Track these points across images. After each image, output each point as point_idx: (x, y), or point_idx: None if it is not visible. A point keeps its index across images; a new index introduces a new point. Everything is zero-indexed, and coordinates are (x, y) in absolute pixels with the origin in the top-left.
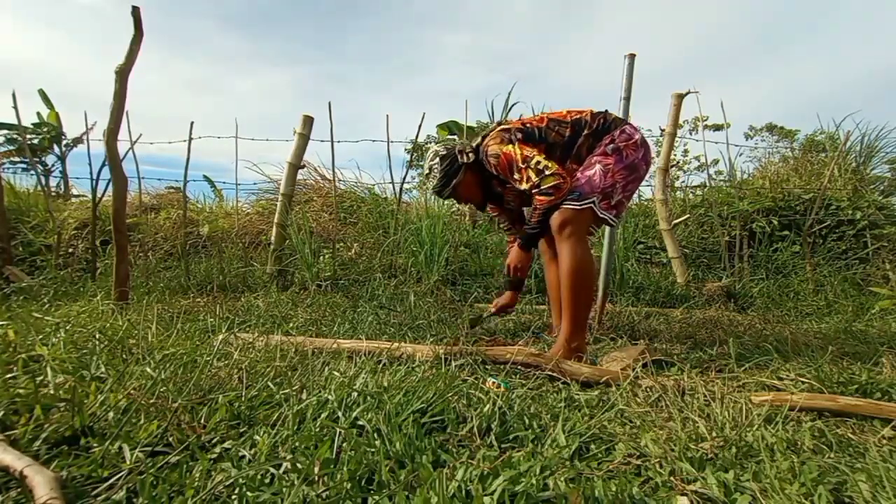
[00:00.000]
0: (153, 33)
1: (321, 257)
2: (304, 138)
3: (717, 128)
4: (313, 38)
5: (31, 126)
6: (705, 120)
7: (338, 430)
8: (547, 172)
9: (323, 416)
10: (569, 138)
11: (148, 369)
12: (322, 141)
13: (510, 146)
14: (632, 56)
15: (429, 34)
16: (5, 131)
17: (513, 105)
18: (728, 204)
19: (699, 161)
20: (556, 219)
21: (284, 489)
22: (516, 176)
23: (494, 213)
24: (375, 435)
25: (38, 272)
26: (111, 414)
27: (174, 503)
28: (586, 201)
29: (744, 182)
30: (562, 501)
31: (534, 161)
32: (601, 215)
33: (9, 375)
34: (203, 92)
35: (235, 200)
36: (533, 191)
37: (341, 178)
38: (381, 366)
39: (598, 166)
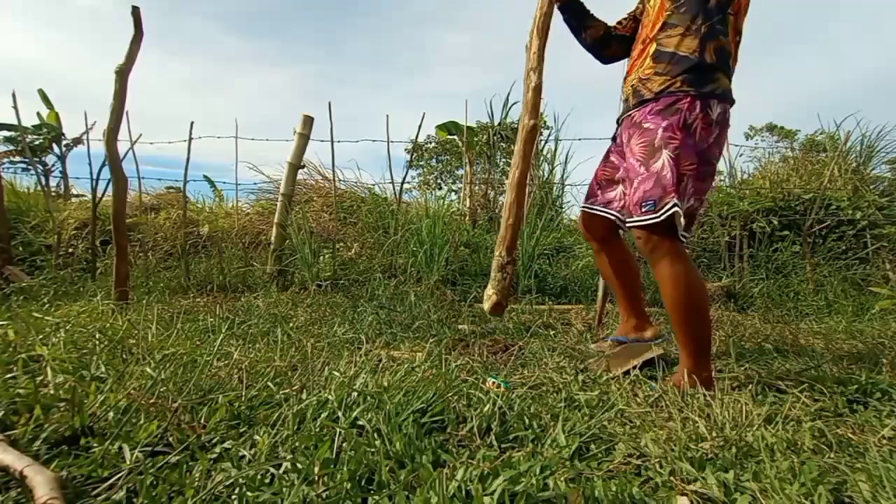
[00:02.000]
0: (153, 33)
1: (321, 257)
2: (304, 138)
3: None
4: (313, 39)
5: (32, 127)
6: None
7: (338, 430)
8: None
9: (323, 416)
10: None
11: (148, 369)
12: (322, 141)
13: None
14: None
15: (429, 34)
16: (5, 131)
17: (513, 105)
18: (728, 204)
19: None
20: (639, 242)
21: (284, 489)
22: None
23: None
24: (375, 435)
25: (38, 272)
26: (111, 414)
27: (174, 503)
28: (664, 210)
29: (744, 182)
30: (562, 501)
31: None
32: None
33: (9, 375)
34: (203, 92)
35: (235, 200)
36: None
37: (341, 178)
38: (380, 365)
39: (665, 152)
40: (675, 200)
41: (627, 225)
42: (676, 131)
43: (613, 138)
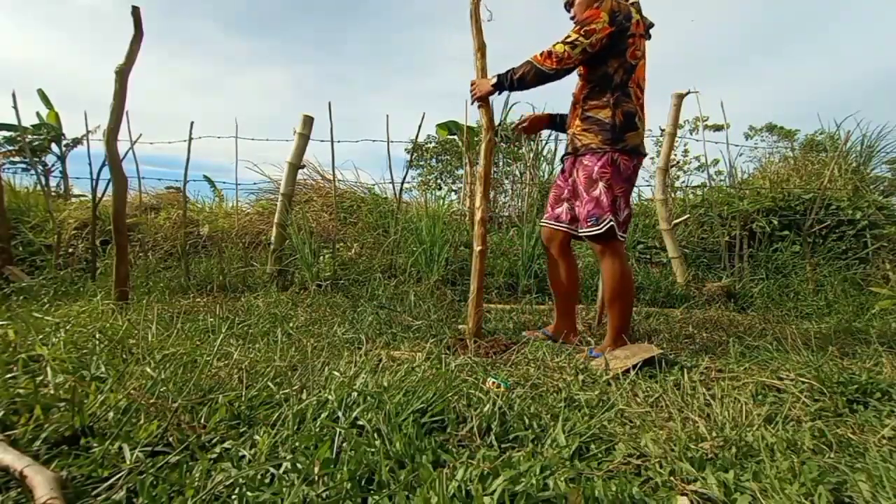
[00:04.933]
0: (153, 34)
1: (321, 257)
2: (304, 138)
3: (717, 128)
4: (313, 38)
5: (32, 127)
6: (705, 120)
7: (338, 430)
8: (578, 41)
9: (323, 416)
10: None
11: (148, 369)
12: (322, 141)
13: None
14: None
15: (429, 34)
16: (5, 131)
17: (513, 105)
18: (728, 204)
19: (699, 161)
20: (592, 246)
21: (284, 489)
22: (571, 30)
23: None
24: (375, 435)
25: (38, 272)
26: (111, 414)
27: (174, 503)
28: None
29: (744, 182)
30: (562, 501)
31: (586, 27)
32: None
33: (9, 375)
34: (203, 92)
35: (235, 200)
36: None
37: (341, 178)
38: (380, 365)
39: (601, 183)
40: (611, 217)
41: (581, 234)
42: (607, 167)
43: (562, 170)
